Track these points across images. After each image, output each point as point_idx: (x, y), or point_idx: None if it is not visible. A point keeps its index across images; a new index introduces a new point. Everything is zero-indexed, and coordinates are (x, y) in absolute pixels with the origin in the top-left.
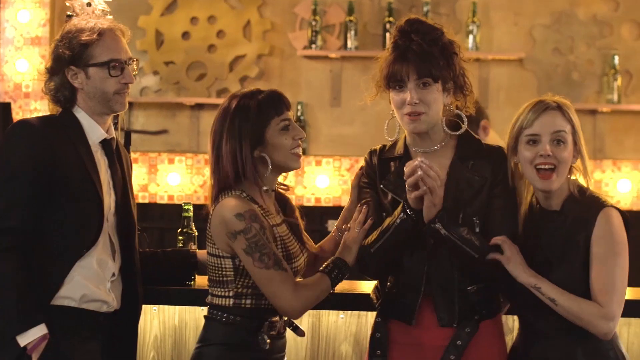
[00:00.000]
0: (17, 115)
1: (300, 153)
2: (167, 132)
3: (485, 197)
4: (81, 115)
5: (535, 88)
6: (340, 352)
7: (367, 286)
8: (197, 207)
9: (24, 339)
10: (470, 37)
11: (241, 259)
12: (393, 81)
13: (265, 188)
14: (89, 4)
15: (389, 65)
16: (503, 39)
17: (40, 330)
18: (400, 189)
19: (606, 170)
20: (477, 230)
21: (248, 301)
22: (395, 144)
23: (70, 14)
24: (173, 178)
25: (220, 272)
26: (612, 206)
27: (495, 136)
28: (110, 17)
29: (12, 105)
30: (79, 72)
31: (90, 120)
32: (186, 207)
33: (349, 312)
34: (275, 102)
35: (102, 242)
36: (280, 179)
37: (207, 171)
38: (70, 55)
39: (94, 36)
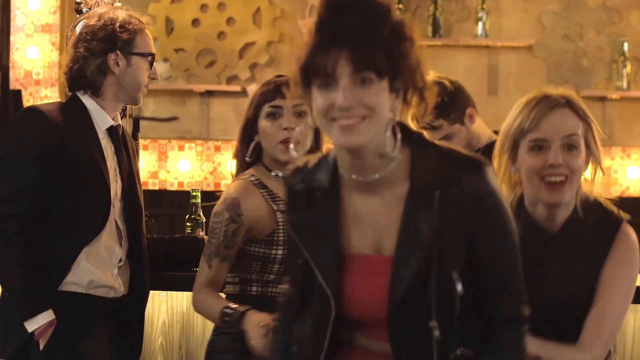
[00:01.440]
0: (28, 102)
1: (291, 145)
2: (177, 119)
3: (465, 241)
4: (89, 102)
5: (544, 75)
6: None
7: None
8: (207, 194)
9: (31, 325)
10: (480, 23)
11: None
12: (316, 75)
13: (274, 173)
14: None
15: (310, 53)
16: (512, 25)
17: (47, 316)
18: (315, 242)
19: (615, 157)
20: (460, 288)
21: (254, 288)
22: (321, 163)
23: (79, 1)
24: (183, 165)
25: None
26: (626, 221)
27: (482, 124)
28: (119, 3)
29: (23, 93)
30: (122, 59)
31: (98, 107)
32: (194, 194)
33: None
34: (270, 89)
35: (109, 228)
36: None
37: (217, 158)
38: (119, 41)
39: (138, 28)
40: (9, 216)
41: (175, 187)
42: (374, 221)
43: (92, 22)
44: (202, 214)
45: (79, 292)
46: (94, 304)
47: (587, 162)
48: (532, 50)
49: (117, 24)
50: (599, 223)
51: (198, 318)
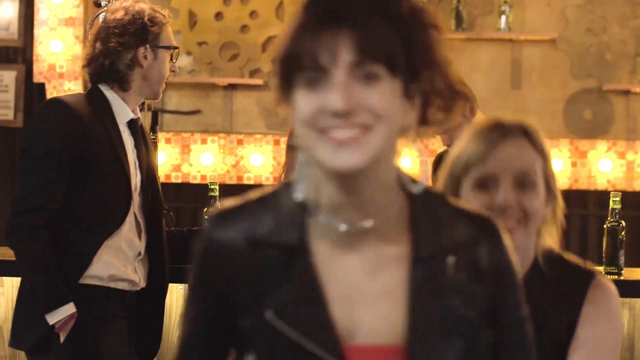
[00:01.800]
0: (51, 95)
1: None
2: (200, 112)
3: (488, 319)
4: (110, 94)
5: (568, 68)
6: None
7: None
8: (230, 187)
9: (52, 318)
10: (503, 17)
11: None
12: (300, 68)
13: None
14: None
15: (294, 38)
16: (535, 19)
17: (69, 309)
18: (306, 323)
19: (639, 151)
20: None
21: None
22: (271, 206)
23: None
24: (206, 158)
25: None
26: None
27: (482, 117)
28: None
29: (46, 86)
30: (150, 53)
31: (119, 99)
32: (212, 187)
33: None
34: None
35: (129, 221)
36: None
37: (239, 151)
38: (150, 35)
39: (164, 21)
40: (30, 210)
41: (198, 180)
42: (345, 293)
43: (119, 15)
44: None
45: (99, 285)
46: (113, 297)
47: (547, 206)
48: (555, 44)
49: (146, 18)
50: (565, 277)
51: None
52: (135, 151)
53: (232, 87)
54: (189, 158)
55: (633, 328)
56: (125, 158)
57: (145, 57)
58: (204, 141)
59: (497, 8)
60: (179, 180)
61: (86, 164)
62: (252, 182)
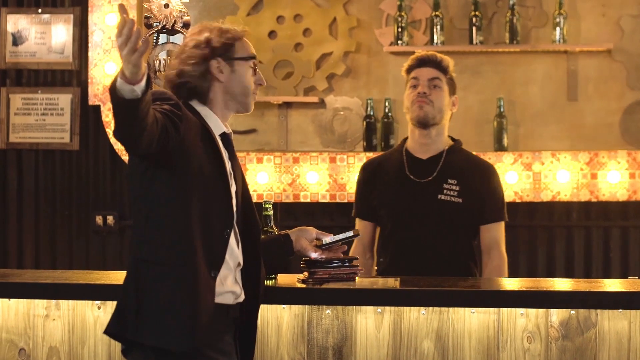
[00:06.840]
0: (107, 117)
1: None
2: (255, 131)
3: None
4: (200, 107)
5: (624, 79)
6: (423, 348)
7: (449, 283)
8: (286, 206)
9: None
10: (557, 29)
11: None
12: None
13: None
14: (166, 5)
15: None
16: (591, 30)
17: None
18: None
19: None
20: None
21: None
22: None
23: (148, 15)
24: (262, 177)
25: None
26: None
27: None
28: (188, 17)
29: (102, 108)
30: (224, 66)
31: (210, 112)
32: (266, 206)
33: (431, 308)
34: None
35: (232, 231)
36: None
37: (295, 169)
38: (218, 48)
39: (237, 34)
40: None
41: (255, 200)
42: None
43: (192, 32)
44: (274, 226)
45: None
46: (218, 313)
47: None
48: (611, 55)
49: (215, 32)
50: None
51: (272, 330)
52: (230, 163)
53: (287, 105)
54: (246, 177)
55: None
56: (224, 168)
57: (220, 71)
58: (259, 160)
59: (551, 20)
60: None
61: (193, 174)
62: (308, 200)
